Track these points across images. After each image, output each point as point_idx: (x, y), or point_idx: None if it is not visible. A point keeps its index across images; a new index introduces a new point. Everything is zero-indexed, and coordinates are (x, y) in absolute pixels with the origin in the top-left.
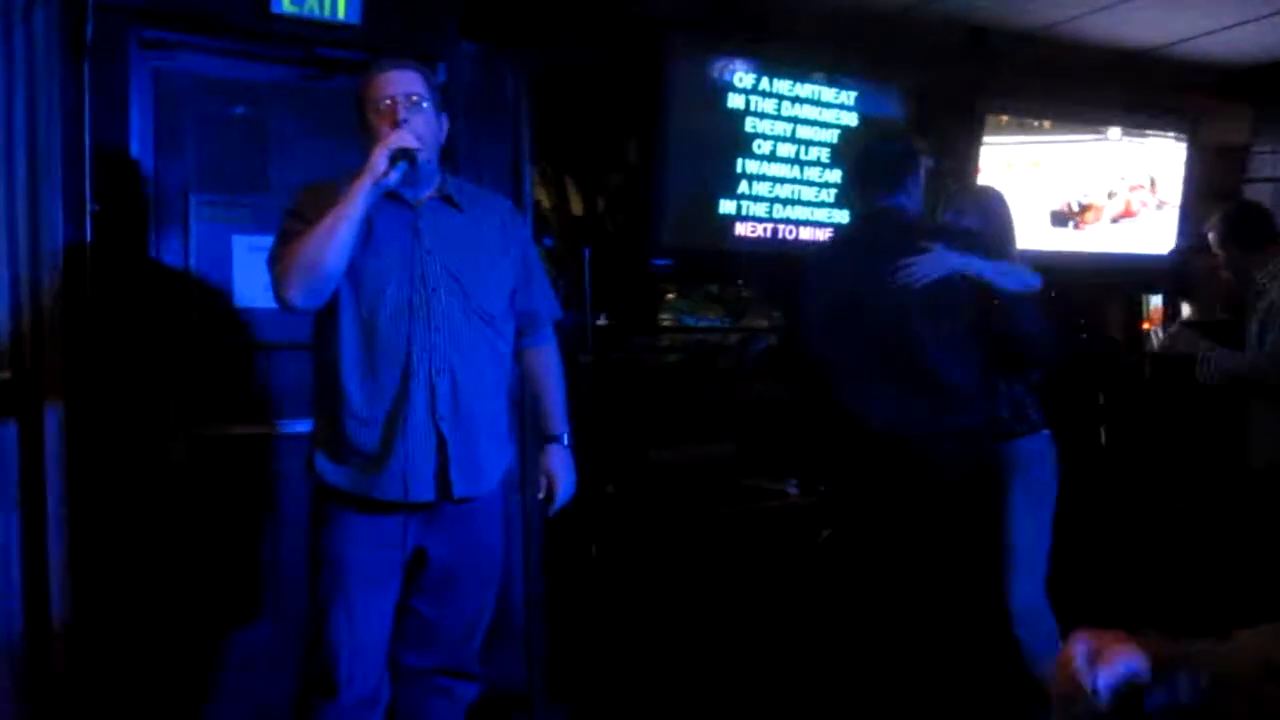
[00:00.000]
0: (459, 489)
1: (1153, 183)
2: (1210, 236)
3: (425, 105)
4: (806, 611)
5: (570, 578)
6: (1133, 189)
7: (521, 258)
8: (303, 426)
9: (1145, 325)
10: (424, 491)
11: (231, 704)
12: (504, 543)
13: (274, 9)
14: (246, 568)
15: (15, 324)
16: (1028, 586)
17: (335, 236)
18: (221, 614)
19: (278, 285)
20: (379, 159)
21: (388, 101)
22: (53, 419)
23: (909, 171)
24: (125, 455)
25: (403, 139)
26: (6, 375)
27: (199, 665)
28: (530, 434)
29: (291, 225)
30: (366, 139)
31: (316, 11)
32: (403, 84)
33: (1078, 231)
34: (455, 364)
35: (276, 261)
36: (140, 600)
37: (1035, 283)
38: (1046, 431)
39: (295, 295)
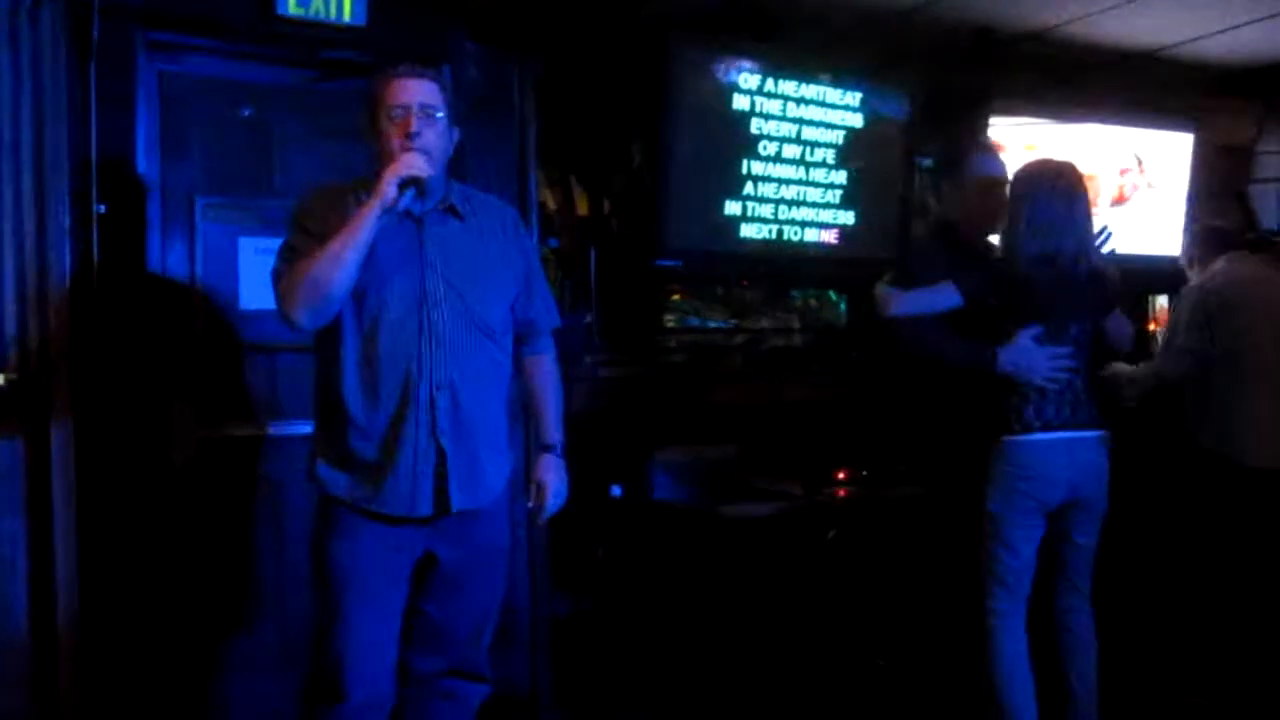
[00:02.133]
0: (458, 503)
1: (1139, 162)
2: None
3: (439, 117)
4: (815, 613)
5: (576, 580)
6: (1123, 172)
7: (524, 266)
8: (309, 428)
9: (1151, 327)
10: (423, 506)
11: (238, 707)
12: (510, 545)
13: (279, 11)
14: (252, 570)
15: (21, 327)
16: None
17: (342, 261)
18: (227, 617)
19: (283, 304)
20: (389, 186)
21: (401, 110)
22: (60, 422)
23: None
24: (131, 458)
25: (412, 167)
26: (13, 378)
27: (205, 669)
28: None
29: (295, 240)
30: (373, 141)
31: (322, 14)
32: (419, 94)
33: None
34: (456, 378)
35: (281, 280)
36: (146, 604)
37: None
38: (1039, 434)
39: (300, 316)
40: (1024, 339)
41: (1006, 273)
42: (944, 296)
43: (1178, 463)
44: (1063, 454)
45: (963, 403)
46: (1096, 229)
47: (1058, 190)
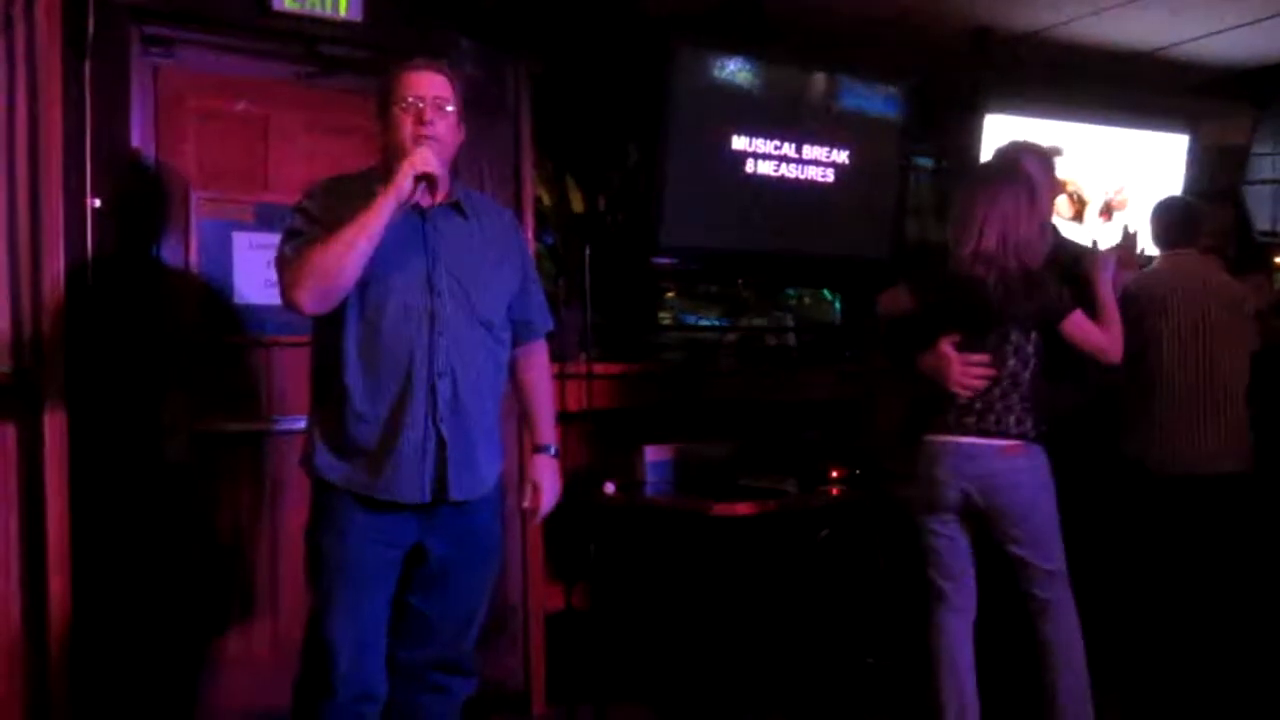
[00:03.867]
0: (455, 491)
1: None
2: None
3: (450, 110)
4: (806, 611)
5: (569, 576)
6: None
7: (521, 268)
8: (302, 423)
9: None
10: (421, 493)
11: (231, 701)
12: (501, 540)
13: (275, 6)
14: (246, 564)
15: (16, 321)
16: None
17: (355, 250)
18: (221, 611)
19: (289, 289)
20: (404, 180)
21: (412, 99)
22: (53, 416)
23: None
24: (125, 452)
25: (428, 162)
26: (6, 372)
27: (198, 664)
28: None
29: (302, 226)
30: (383, 131)
31: (317, 8)
32: (433, 86)
33: (1076, 224)
34: (456, 368)
35: (288, 265)
36: (140, 598)
37: None
38: (941, 435)
39: (307, 301)
40: (943, 345)
41: (938, 276)
42: (900, 297)
43: (1104, 472)
44: (957, 459)
45: (913, 403)
46: (1086, 240)
47: (984, 187)
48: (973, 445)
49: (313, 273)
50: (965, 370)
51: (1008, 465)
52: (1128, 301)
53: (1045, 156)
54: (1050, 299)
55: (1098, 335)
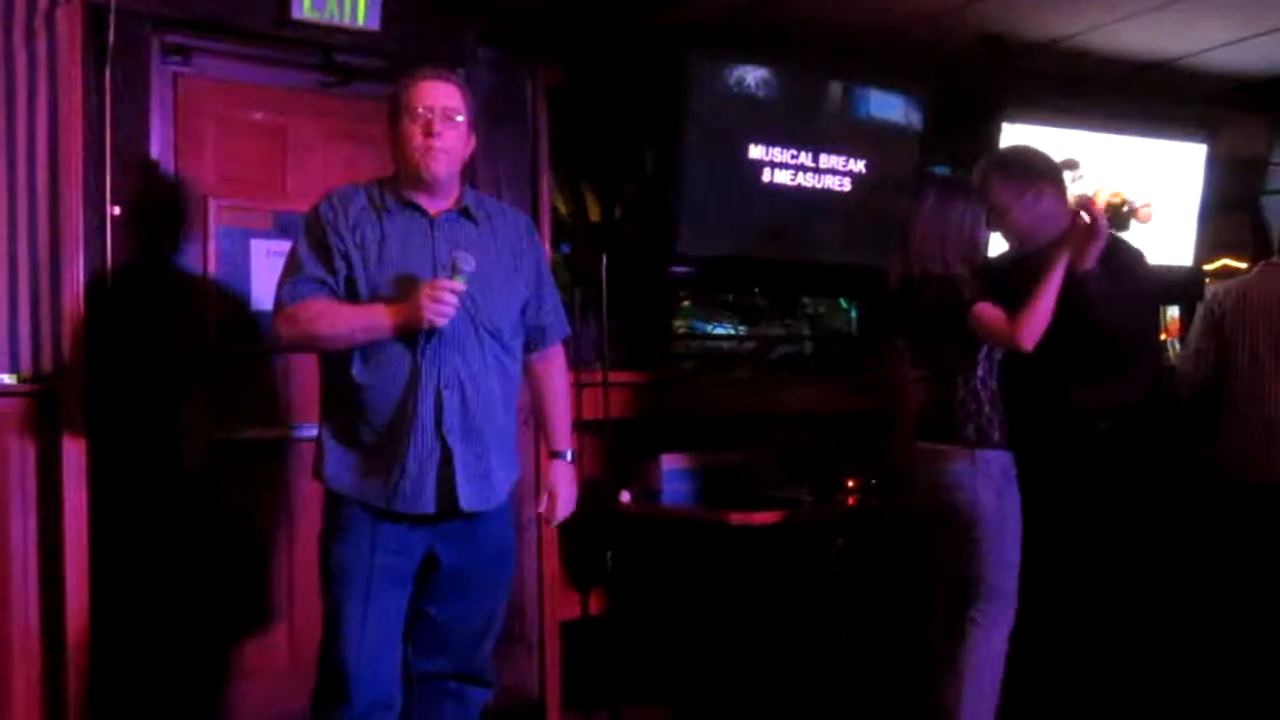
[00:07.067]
0: (464, 502)
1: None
2: None
3: (459, 119)
4: (823, 621)
5: (585, 585)
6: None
7: (535, 273)
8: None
9: (1163, 336)
10: (427, 504)
11: (248, 708)
12: (515, 548)
13: (294, 15)
14: (264, 572)
15: (35, 329)
16: None
17: (350, 341)
18: (238, 619)
19: (278, 330)
20: (422, 323)
21: (421, 110)
22: (72, 423)
23: None
24: (143, 458)
25: (448, 318)
26: (27, 379)
27: (215, 671)
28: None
29: (304, 256)
30: (394, 142)
31: (336, 17)
32: (442, 96)
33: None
34: (464, 379)
35: (283, 310)
36: (158, 605)
37: None
38: None
39: (288, 347)
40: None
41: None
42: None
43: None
44: (917, 463)
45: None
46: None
47: (909, 208)
48: (923, 450)
49: (300, 336)
50: (912, 385)
51: (933, 468)
52: (1213, 301)
53: (1013, 167)
54: (941, 299)
55: (999, 325)
